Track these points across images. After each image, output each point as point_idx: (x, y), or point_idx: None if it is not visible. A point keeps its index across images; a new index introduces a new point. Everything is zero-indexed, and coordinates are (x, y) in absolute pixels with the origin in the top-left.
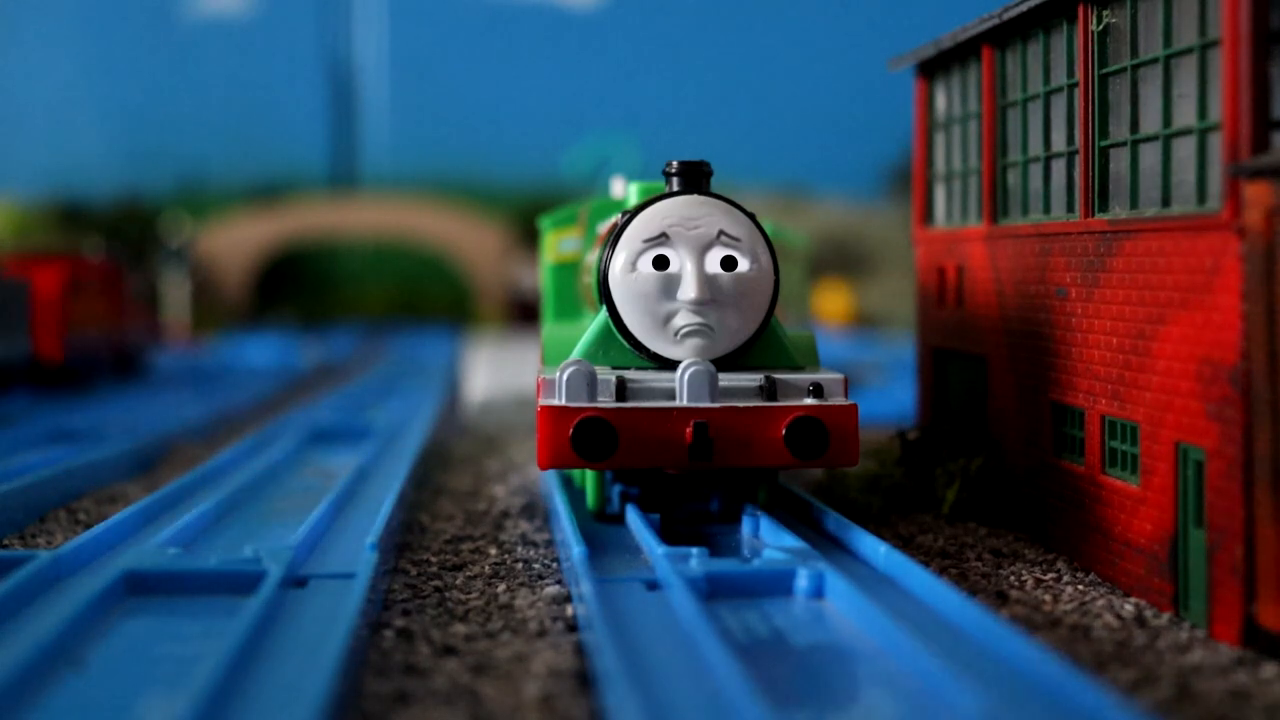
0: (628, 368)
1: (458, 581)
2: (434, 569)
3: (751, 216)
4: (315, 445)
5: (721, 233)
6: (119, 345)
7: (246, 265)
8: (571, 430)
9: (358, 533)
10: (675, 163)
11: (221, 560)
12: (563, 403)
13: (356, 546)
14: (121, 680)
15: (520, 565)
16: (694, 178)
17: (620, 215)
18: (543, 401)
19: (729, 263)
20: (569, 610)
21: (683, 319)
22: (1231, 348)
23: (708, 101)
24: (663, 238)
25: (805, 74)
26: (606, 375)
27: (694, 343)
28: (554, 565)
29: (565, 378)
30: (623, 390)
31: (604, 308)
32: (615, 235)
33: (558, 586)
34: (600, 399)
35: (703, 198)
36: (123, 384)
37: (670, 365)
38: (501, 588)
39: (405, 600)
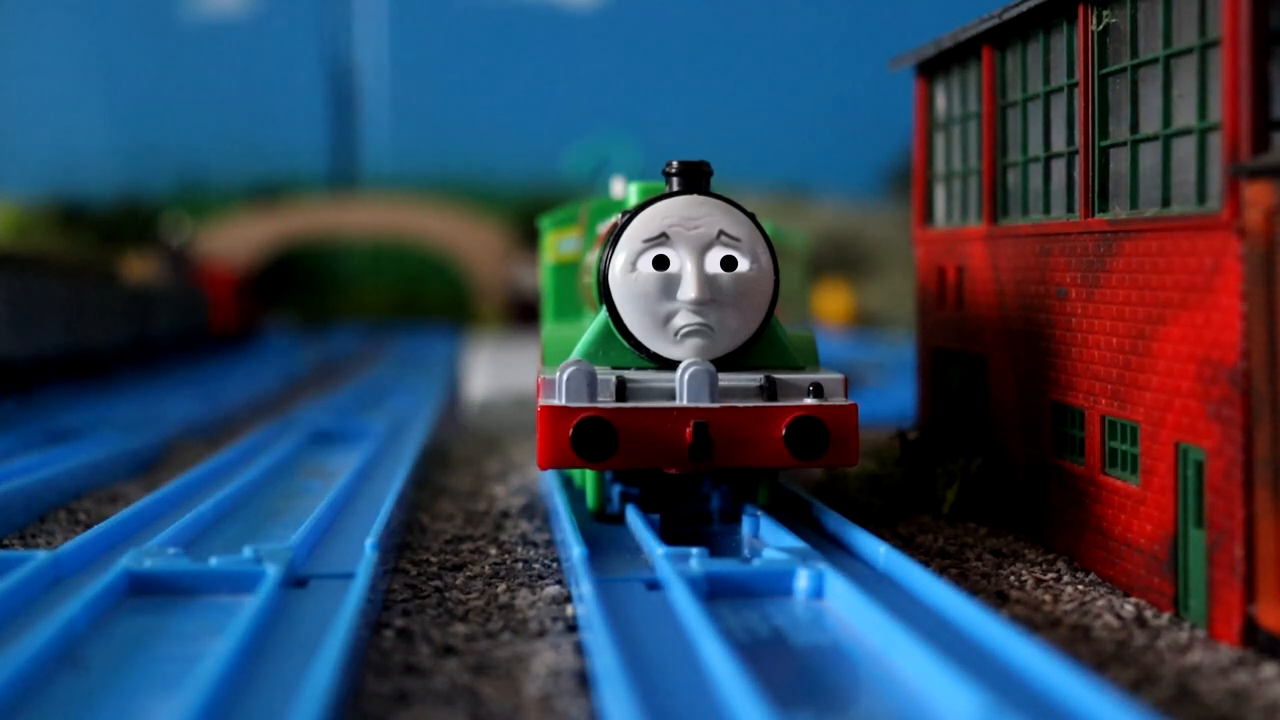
0: (628, 368)
1: (458, 581)
2: (434, 569)
3: (751, 216)
4: (315, 445)
5: (721, 233)
6: (245, 323)
7: (247, 265)
8: (571, 430)
9: (358, 533)
10: (675, 163)
11: (221, 561)
12: (563, 403)
13: (356, 546)
14: (122, 680)
15: (520, 565)
16: (694, 178)
17: (620, 215)
18: (543, 401)
19: (729, 263)
20: (569, 610)
21: (683, 319)
22: (1231, 348)
23: (708, 101)
24: (663, 238)
25: (805, 74)
26: (606, 375)
27: (694, 343)
28: (554, 565)
29: (565, 378)
30: (623, 390)
31: (604, 308)
32: (615, 235)
33: (558, 586)
34: (600, 399)
35: (702, 198)
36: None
37: (670, 365)
38: (501, 588)
39: (405, 600)
